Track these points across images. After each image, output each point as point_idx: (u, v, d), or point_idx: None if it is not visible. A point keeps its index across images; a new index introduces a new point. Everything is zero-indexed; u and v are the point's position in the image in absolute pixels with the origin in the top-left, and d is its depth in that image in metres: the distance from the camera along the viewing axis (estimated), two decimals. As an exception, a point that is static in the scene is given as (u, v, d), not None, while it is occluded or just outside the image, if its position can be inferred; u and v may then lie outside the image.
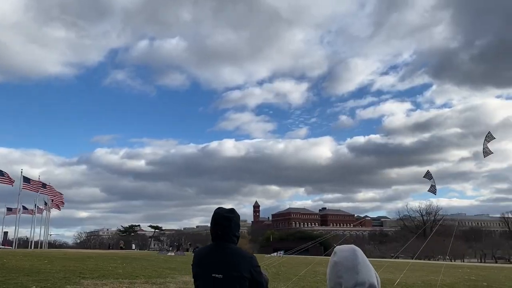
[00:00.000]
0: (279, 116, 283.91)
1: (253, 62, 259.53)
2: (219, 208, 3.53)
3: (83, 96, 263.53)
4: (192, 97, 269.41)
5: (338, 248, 2.31)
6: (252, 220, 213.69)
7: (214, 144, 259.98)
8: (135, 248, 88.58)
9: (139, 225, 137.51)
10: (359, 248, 2.35)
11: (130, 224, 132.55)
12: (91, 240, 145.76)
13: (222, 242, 3.37)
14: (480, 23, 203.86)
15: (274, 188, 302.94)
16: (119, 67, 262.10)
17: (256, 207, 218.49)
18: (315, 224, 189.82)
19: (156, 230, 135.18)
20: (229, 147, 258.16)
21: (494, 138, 16.60)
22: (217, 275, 3.19)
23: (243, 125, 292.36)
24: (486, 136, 16.60)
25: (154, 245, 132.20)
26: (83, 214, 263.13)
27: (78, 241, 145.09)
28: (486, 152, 16.20)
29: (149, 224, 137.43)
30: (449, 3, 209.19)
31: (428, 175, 18.41)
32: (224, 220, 3.40)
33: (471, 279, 22.33)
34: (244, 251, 3.46)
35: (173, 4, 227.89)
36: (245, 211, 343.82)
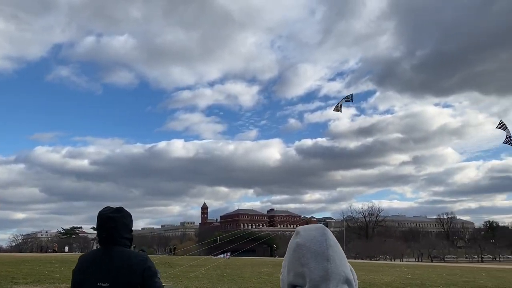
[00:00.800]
0: (230, 117, 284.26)
1: (204, 63, 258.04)
2: (104, 208, 3.08)
3: (23, 91, 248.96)
4: (140, 96, 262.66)
5: (302, 227, 1.66)
6: (200, 222, 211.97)
7: (162, 144, 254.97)
8: (77, 250, 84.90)
9: (81, 227, 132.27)
10: None
11: (71, 226, 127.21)
12: (27, 243, 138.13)
13: (109, 246, 2.97)
14: (420, 35, 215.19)
15: (223, 189, 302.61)
16: (63, 63, 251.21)
17: (204, 208, 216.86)
18: (263, 225, 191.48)
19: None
20: (178, 148, 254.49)
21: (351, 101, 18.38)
22: (102, 284, 2.80)
23: (193, 125, 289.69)
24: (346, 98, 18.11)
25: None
26: (20, 215, 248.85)
27: (14, 244, 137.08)
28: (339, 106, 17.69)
29: (91, 226, 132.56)
30: (393, 15, 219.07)
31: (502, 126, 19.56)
32: (109, 221, 2.96)
33: (407, 278, 23.42)
34: (136, 253, 3.04)
35: (122, 0, 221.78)
36: (193, 213, 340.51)
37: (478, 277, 24.84)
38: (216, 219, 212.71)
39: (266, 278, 19.95)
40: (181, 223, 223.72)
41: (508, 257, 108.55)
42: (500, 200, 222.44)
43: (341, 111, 20.06)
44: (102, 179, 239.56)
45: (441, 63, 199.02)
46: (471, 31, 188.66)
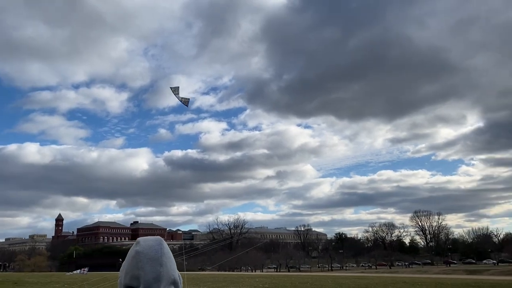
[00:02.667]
0: (94, 123, 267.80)
1: (69, 63, 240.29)
2: None
3: None
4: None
5: (142, 238, 1.91)
6: (53, 234, 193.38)
7: (12, 147, 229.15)
8: None
9: None
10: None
11: None
12: None
13: None
14: (288, 60, 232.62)
15: (82, 200, 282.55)
16: None
17: (59, 220, 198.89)
18: (125, 239, 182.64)
19: None
20: (32, 152, 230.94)
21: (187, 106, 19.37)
22: None
23: (51, 129, 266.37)
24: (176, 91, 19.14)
25: None
26: None
27: None
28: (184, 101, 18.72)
29: None
30: (264, 39, 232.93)
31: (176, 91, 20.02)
32: None
33: (264, 287, 24.74)
34: None
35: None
36: (45, 225, 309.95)
37: (325, 284, 27.39)
38: (73, 232, 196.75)
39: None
40: (30, 236, 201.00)
41: (353, 266, 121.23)
42: (349, 213, 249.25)
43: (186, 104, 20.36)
44: None
45: (303, 88, 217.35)
46: (330, 62, 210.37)
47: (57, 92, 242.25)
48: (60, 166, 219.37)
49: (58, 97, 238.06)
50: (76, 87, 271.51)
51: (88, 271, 39.29)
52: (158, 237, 1.92)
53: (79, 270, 38.13)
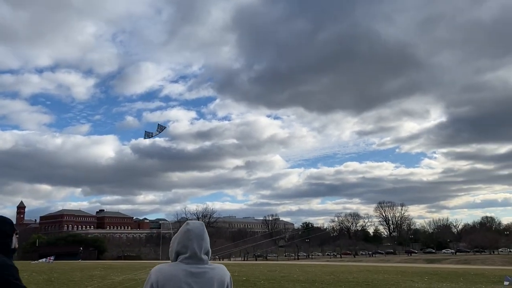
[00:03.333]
0: (59, 109, 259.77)
1: (32, 46, 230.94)
2: None
3: None
4: None
5: (190, 221, 2.86)
6: (15, 222, 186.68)
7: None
8: None
9: None
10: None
11: None
12: None
13: None
14: (258, 51, 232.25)
15: (45, 187, 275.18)
16: None
17: (21, 208, 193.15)
18: (90, 227, 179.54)
19: None
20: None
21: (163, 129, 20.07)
22: None
23: (12, 114, 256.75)
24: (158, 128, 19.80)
25: None
26: None
27: None
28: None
29: None
30: (235, 28, 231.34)
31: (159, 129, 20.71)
32: None
33: (234, 275, 25.11)
34: None
35: None
36: (6, 212, 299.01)
37: (293, 272, 28.11)
38: (35, 220, 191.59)
39: (99, 281, 19.11)
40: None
41: (318, 254, 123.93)
42: (316, 203, 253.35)
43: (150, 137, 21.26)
44: None
45: (274, 79, 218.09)
46: (300, 54, 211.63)
47: (19, 76, 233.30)
48: (22, 152, 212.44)
49: (20, 80, 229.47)
50: (40, 71, 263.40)
51: (54, 259, 38.67)
52: (201, 222, 2.91)
53: (44, 259, 37.38)
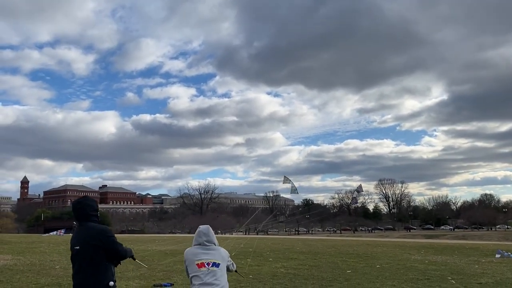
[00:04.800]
0: (59, 84, 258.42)
1: (32, 22, 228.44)
2: (75, 199, 4.49)
3: None
4: None
5: (201, 226, 4.70)
6: (19, 197, 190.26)
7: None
8: None
9: None
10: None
11: None
12: None
13: (82, 221, 4.22)
14: (258, 27, 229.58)
15: (47, 162, 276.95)
16: None
17: (24, 182, 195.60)
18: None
19: None
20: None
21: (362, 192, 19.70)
22: (75, 247, 4.10)
23: (13, 89, 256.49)
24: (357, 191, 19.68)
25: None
26: None
27: None
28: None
29: None
30: (234, 4, 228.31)
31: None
32: (77, 205, 4.31)
33: (240, 247, 26.37)
34: (100, 225, 4.28)
35: None
36: (9, 187, 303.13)
37: (296, 245, 29.33)
38: (39, 195, 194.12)
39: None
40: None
41: (318, 230, 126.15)
42: (316, 181, 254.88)
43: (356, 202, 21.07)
44: None
45: (274, 56, 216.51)
46: (300, 30, 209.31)
47: (19, 52, 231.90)
48: (23, 127, 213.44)
49: (20, 56, 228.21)
50: (40, 47, 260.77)
51: (64, 233, 39.91)
52: (208, 226, 4.69)
53: (56, 232, 38.56)
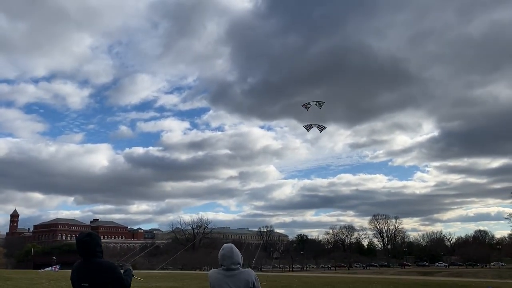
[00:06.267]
0: (53, 117, 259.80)
1: (29, 57, 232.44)
2: (79, 234, 4.59)
3: None
4: None
5: (224, 245, 4.68)
6: (8, 231, 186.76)
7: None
8: None
9: None
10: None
11: None
12: None
13: (88, 258, 4.36)
14: (252, 64, 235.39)
15: (37, 196, 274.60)
16: None
17: (14, 216, 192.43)
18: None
19: None
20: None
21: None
22: (84, 284, 4.24)
23: (7, 122, 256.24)
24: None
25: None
26: None
27: None
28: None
29: None
30: (229, 42, 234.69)
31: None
32: (83, 243, 4.40)
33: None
34: (106, 261, 4.44)
35: None
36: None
37: (292, 282, 29.40)
38: (28, 229, 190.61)
39: None
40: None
41: (313, 266, 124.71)
42: (310, 215, 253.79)
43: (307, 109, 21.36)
44: None
45: (267, 91, 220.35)
46: (292, 68, 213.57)
47: (15, 86, 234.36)
48: (15, 160, 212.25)
49: (16, 90, 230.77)
50: (36, 81, 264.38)
51: (59, 268, 39.41)
52: (231, 244, 4.68)
53: (51, 267, 38.11)
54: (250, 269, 4.69)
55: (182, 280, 28.35)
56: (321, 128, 21.97)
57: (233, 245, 4.61)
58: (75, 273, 4.40)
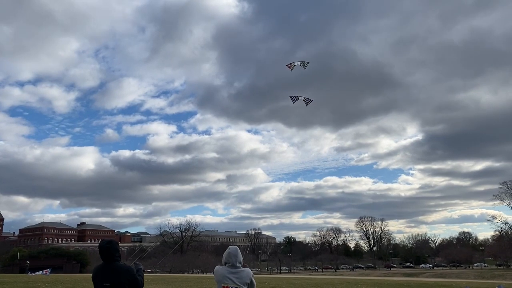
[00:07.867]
0: (38, 120, 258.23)
1: (15, 60, 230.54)
2: (101, 241, 5.51)
3: None
4: None
5: (230, 246, 5.53)
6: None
7: None
8: None
9: None
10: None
11: None
12: None
13: (109, 262, 5.18)
14: (238, 68, 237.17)
15: (22, 199, 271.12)
16: None
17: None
18: (71, 240, 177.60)
19: None
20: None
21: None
22: (106, 283, 5.07)
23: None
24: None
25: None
26: None
27: None
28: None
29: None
30: (216, 46, 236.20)
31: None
32: (104, 249, 5.26)
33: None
34: (124, 264, 5.28)
35: None
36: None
37: (280, 283, 30.32)
38: (14, 233, 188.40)
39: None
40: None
41: (300, 268, 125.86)
42: (297, 218, 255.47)
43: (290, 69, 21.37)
44: None
45: (254, 95, 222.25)
46: (279, 71, 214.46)
47: (0, 89, 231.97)
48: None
49: (1, 93, 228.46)
50: (21, 84, 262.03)
51: (50, 272, 39.62)
52: (235, 246, 5.52)
53: (41, 271, 38.33)
54: (249, 268, 5.54)
55: (174, 283, 29.03)
56: (308, 101, 22.16)
57: (237, 247, 5.50)
58: (98, 274, 5.22)
